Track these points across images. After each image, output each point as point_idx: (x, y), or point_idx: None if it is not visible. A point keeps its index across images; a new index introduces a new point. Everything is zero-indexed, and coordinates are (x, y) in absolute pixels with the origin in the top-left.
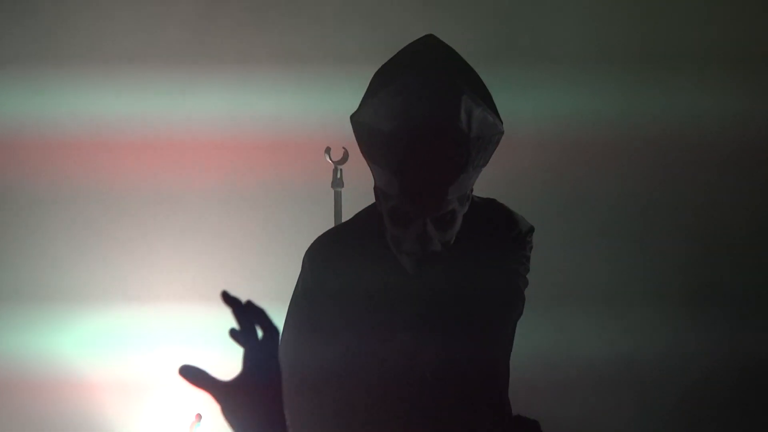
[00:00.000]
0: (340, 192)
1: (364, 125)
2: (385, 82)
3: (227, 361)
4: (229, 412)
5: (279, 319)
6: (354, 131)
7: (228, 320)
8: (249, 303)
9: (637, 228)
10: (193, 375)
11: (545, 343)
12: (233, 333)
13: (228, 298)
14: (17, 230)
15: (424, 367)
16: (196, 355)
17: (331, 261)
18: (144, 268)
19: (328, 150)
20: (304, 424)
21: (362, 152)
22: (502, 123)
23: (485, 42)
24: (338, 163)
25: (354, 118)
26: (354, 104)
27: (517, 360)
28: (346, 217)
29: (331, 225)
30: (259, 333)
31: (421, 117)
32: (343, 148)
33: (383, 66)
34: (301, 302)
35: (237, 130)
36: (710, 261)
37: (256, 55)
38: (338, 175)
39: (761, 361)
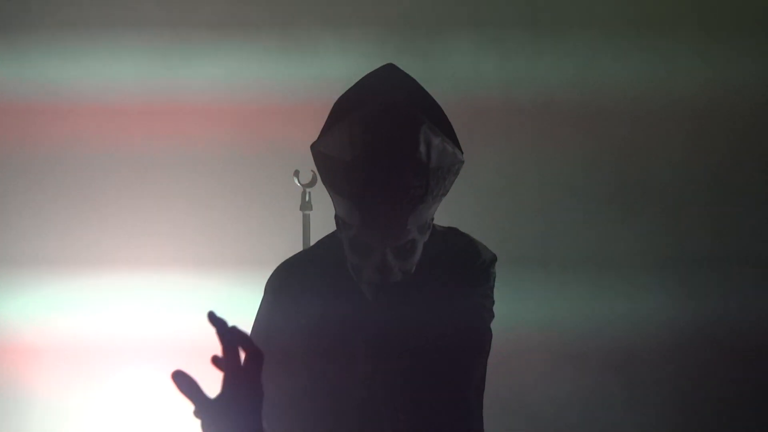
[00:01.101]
0: (309, 215)
1: (324, 155)
2: (345, 112)
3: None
4: (210, 427)
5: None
6: (314, 160)
7: (190, 288)
8: (234, 328)
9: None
10: (185, 383)
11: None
12: (215, 359)
13: (214, 319)
14: None
15: (385, 400)
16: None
17: (290, 289)
18: (107, 233)
19: (296, 173)
20: None
21: (322, 180)
22: (462, 152)
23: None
24: (307, 186)
25: (314, 148)
26: (319, 129)
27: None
28: (314, 239)
29: (300, 247)
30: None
31: (381, 148)
32: (312, 170)
33: (343, 95)
34: (260, 330)
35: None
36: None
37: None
38: (306, 198)
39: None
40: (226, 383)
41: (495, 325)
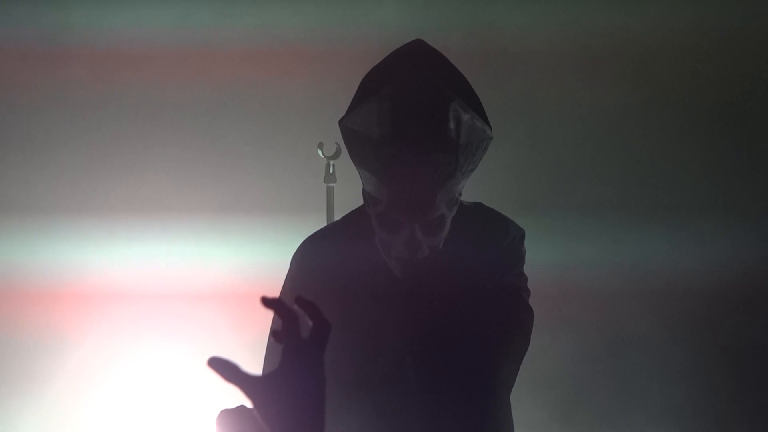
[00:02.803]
0: (333, 187)
1: (353, 131)
2: (374, 88)
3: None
4: (264, 409)
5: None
6: (342, 136)
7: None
8: (299, 298)
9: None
10: (223, 368)
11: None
12: (275, 333)
13: (268, 301)
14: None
15: (414, 373)
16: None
17: (317, 264)
18: (133, 179)
19: (320, 145)
20: None
21: (351, 156)
22: (490, 128)
23: None
24: (330, 159)
25: (342, 123)
26: (346, 103)
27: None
28: (338, 211)
29: (324, 221)
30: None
31: (410, 125)
32: (336, 143)
33: (371, 71)
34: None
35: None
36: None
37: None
38: (330, 171)
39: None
40: (285, 356)
41: None
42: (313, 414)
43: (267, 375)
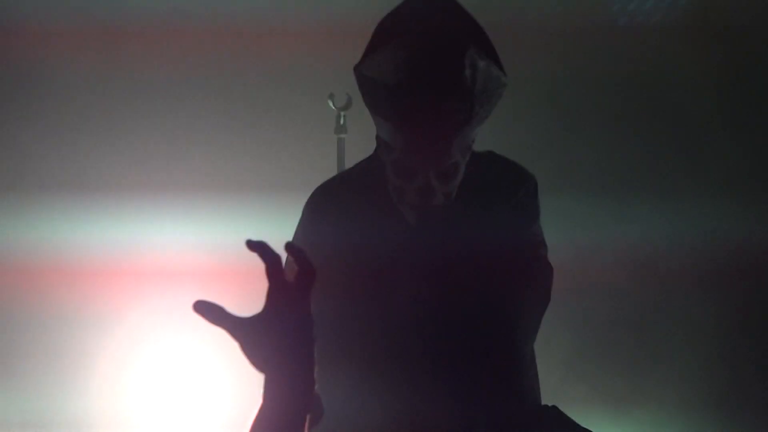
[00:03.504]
0: (344, 138)
1: (368, 77)
2: (389, 34)
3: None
4: (250, 349)
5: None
6: (357, 82)
7: (224, 212)
8: (288, 244)
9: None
10: (208, 310)
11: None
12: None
13: (252, 244)
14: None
15: (430, 324)
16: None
17: (330, 212)
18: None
19: (331, 96)
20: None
21: (365, 103)
22: (505, 75)
23: None
24: (341, 110)
25: (357, 70)
26: (356, 53)
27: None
28: (349, 163)
29: (334, 171)
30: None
31: (426, 71)
32: (347, 94)
33: (387, 16)
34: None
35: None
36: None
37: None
38: (341, 122)
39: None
40: (269, 298)
41: None
42: (298, 354)
43: (251, 317)
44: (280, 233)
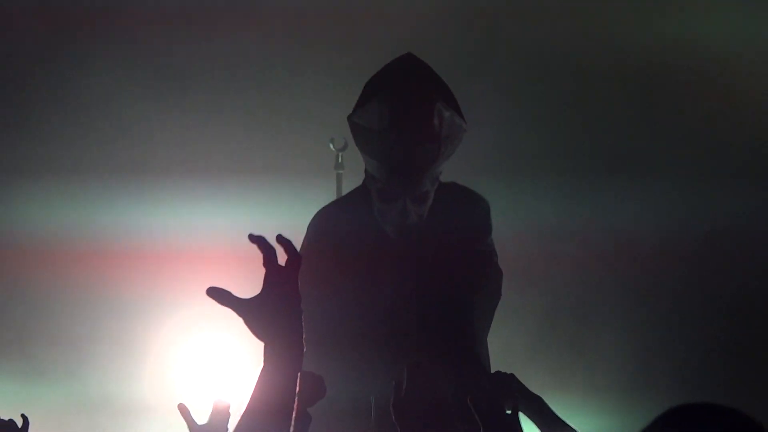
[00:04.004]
0: (341, 174)
1: (358, 125)
2: (375, 91)
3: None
4: (251, 322)
5: None
6: (350, 128)
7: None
8: (279, 236)
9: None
10: (219, 294)
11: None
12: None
13: (254, 238)
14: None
15: (405, 312)
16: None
17: (328, 228)
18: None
19: (332, 140)
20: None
21: (356, 144)
22: (465, 123)
23: None
24: (339, 150)
25: (350, 119)
26: (350, 106)
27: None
28: (344, 191)
29: (334, 197)
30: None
31: (403, 120)
32: (344, 138)
33: (372, 78)
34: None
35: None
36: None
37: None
38: (339, 160)
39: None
40: (265, 281)
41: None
42: (288, 324)
43: (251, 297)
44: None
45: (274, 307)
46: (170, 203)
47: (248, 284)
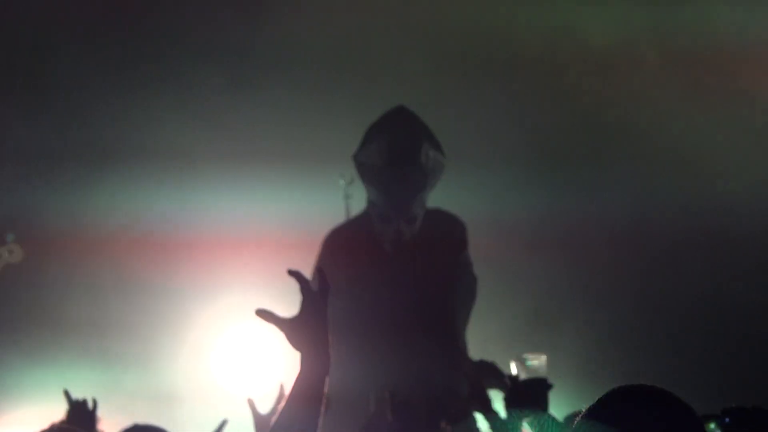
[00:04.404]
0: (349, 203)
1: (362, 163)
2: (374, 135)
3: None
4: (290, 337)
5: None
6: (355, 165)
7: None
8: (316, 268)
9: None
10: (264, 314)
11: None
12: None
13: (293, 273)
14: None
15: (402, 313)
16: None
17: (337, 245)
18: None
19: (341, 175)
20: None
21: (360, 177)
22: (446, 158)
23: None
24: (347, 184)
25: (355, 158)
26: (354, 146)
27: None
28: (352, 216)
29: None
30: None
31: (397, 158)
32: (351, 175)
33: (372, 125)
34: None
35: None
36: None
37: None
38: (347, 192)
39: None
40: (302, 305)
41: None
42: (319, 339)
43: (291, 317)
44: (310, 259)
45: (308, 327)
46: (218, 201)
47: (282, 271)
